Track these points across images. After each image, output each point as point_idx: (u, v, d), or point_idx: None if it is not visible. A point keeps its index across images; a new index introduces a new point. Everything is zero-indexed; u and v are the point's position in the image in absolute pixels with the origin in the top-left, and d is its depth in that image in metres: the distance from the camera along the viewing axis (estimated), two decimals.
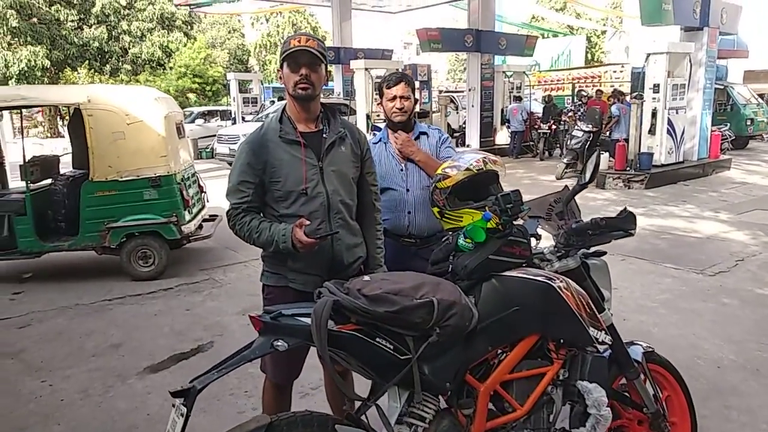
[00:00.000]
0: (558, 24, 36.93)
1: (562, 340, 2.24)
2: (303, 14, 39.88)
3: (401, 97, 2.94)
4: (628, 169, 11.08)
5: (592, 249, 2.47)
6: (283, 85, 2.36)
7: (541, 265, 2.37)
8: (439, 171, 2.41)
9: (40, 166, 6.05)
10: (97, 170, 5.56)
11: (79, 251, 5.91)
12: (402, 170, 2.97)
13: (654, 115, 11.19)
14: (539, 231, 2.51)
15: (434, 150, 3.02)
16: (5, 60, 23.67)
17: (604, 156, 11.43)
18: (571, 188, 2.40)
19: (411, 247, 3.00)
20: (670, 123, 11.31)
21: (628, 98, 12.49)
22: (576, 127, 12.40)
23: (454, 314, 1.98)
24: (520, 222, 2.27)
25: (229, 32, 39.75)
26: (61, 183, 6.05)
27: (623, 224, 2.17)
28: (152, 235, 5.78)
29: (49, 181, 6.20)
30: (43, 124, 27.95)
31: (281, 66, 2.31)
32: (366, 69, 12.84)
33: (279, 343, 1.87)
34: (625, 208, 2.19)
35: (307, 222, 2.21)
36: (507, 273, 2.19)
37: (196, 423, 2.97)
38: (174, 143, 5.94)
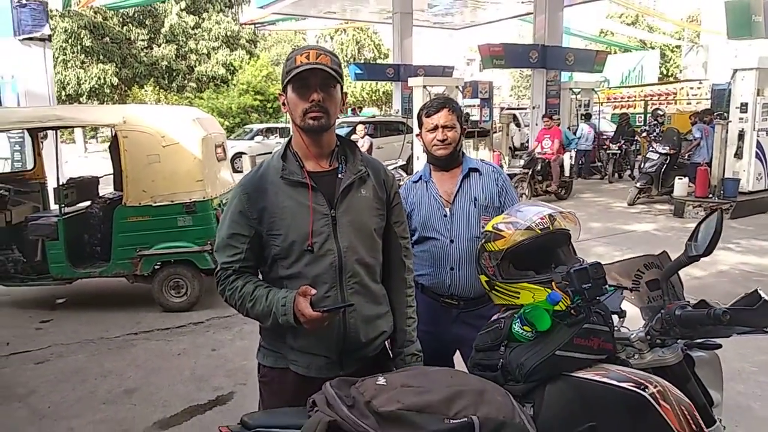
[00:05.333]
0: (629, 38, 35.36)
1: None
2: (366, 32, 39.91)
3: (444, 127, 2.39)
4: (710, 196, 10.03)
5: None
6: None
7: (625, 354, 1.75)
8: (489, 228, 1.83)
9: (77, 189, 5.82)
10: (130, 195, 5.25)
11: (112, 278, 5.61)
12: (446, 216, 2.40)
13: (741, 137, 10.11)
14: (623, 304, 1.89)
15: (490, 193, 2.43)
16: (78, 77, 24.64)
17: (683, 181, 10.42)
18: (672, 257, 1.76)
19: (453, 309, 2.43)
20: (759, 146, 10.17)
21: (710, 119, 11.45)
22: (651, 149, 11.41)
23: None
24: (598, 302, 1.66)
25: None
26: (98, 206, 5.80)
27: (755, 318, 1.51)
28: (185, 263, 5.42)
29: (87, 203, 5.99)
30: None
31: (284, 89, 1.80)
32: (424, 86, 12.34)
33: None
34: (757, 292, 1.53)
35: (313, 291, 1.68)
36: (579, 373, 1.59)
37: None
38: (212, 167, 5.59)
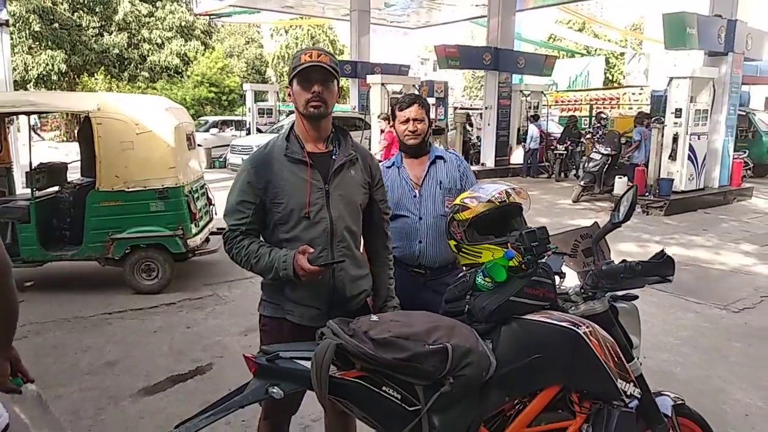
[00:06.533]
0: (576, 44, 36.80)
1: (586, 392, 2.05)
2: (322, 27, 40.01)
3: (414, 120, 2.77)
4: (647, 194, 10.82)
5: (622, 292, 2.27)
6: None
7: (564, 307, 2.17)
8: (457, 201, 2.23)
9: (47, 174, 5.93)
10: (103, 180, 5.42)
11: (83, 261, 5.76)
12: (415, 197, 2.79)
13: (675, 140, 10.94)
14: (564, 269, 2.32)
15: (453, 178, 2.83)
16: (25, 64, 23.91)
17: (623, 180, 11.18)
18: (601, 226, 2.20)
19: (420, 278, 2.81)
20: (691, 149, 11.05)
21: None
22: (594, 150, 12.16)
23: (470, 363, 1.79)
24: (543, 259, 2.08)
25: (247, 42, 40.01)
26: (68, 191, 5.93)
27: (660, 270, 1.96)
28: (157, 247, 5.62)
29: (55, 188, 6.10)
30: (59, 127, 28.20)
31: (290, 83, 2.14)
32: (382, 84, 12.78)
33: (274, 390, 1.70)
34: (663, 251, 1.98)
35: (311, 249, 2.03)
36: (528, 316, 2.00)
37: None
38: (183, 155, 5.81)
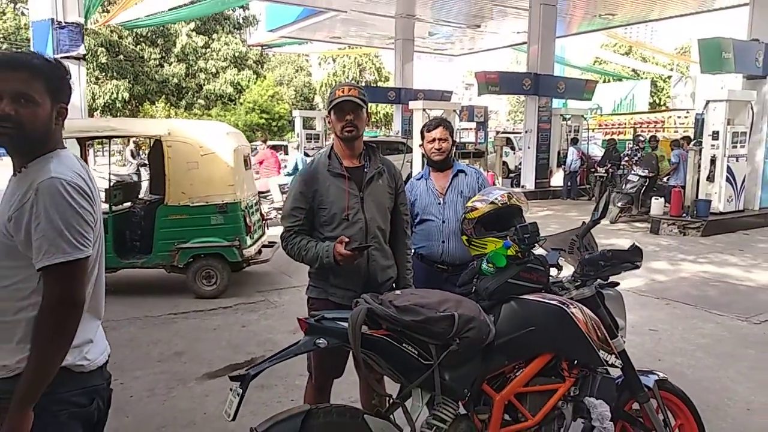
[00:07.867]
0: (622, 68, 36.75)
1: (575, 361, 2.48)
2: (368, 56, 41.25)
3: (439, 139, 3.31)
4: (684, 215, 10.96)
5: (610, 280, 2.70)
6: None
7: (560, 293, 2.62)
8: (468, 204, 2.73)
9: (123, 191, 6.71)
10: (171, 196, 6.12)
11: (151, 269, 6.46)
12: (440, 204, 3.30)
13: (713, 162, 11.07)
14: (560, 262, 2.77)
15: (472, 188, 3.32)
16: (92, 93, 25.73)
17: (659, 201, 11.36)
18: (585, 223, 2.66)
19: (443, 273, 3.30)
20: (729, 170, 11.13)
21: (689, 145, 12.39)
22: (632, 172, 12.38)
23: (473, 328, 2.27)
24: (542, 252, 2.55)
25: (297, 70, 41.60)
26: (139, 206, 6.68)
27: (631, 257, 2.41)
28: (216, 257, 6.27)
29: (128, 204, 6.87)
30: (121, 152, 29.94)
31: (329, 113, 2.70)
32: (424, 109, 13.34)
33: (320, 341, 2.21)
34: (634, 243, 2.43)
35: (347, 239, 2.56)
36: (525, 296, 2.46)
37: (256, 420, 3.36)
38: (241, 174, 6.48)
